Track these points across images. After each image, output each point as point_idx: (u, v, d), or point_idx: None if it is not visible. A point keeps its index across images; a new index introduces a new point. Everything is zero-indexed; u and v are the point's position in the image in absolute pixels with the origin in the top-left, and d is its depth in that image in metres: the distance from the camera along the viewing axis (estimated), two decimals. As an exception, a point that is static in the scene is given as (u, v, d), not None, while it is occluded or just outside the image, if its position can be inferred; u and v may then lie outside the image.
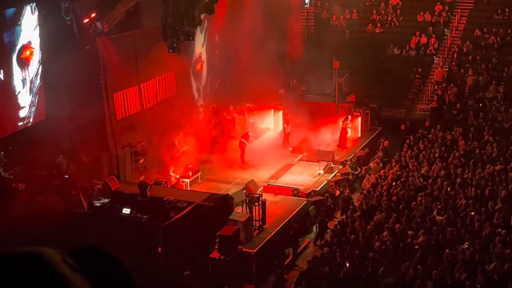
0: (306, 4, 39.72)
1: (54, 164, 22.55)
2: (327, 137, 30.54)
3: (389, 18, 39.42)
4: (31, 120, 22.84)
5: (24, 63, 22.25)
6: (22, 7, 21.90)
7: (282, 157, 29.30)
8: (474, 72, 34.63)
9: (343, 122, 30.68)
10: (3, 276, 1.38)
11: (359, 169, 27.48)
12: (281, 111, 32.49)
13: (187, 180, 26.28)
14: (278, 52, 31.20)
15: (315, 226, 23.77)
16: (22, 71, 22.25)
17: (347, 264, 18.89)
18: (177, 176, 25.99)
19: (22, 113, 22.53)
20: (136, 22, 25.43)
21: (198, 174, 27.11)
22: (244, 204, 22.47)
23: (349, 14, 39.93)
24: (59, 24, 21.82)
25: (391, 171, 26.06)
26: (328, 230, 23.30)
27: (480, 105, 32.94)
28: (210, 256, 19.83)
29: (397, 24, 39.21)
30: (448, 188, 23.74)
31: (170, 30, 22.93)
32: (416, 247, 19.59)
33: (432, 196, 23.25)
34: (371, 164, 27.02)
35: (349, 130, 30.88)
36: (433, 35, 37.65)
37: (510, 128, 30.48)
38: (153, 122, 26.18)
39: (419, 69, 36.42)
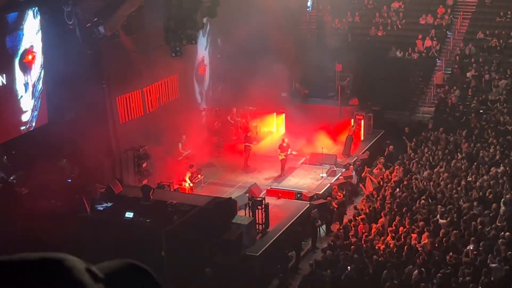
0: (308, 7, 39.72)
1: (57, 168, 22.55)
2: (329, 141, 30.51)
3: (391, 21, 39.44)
4: (34, 124, 22.85)
5: (26, 67, 22.26)
6: (24, 12, 21.91)
7: (285, 160, 29.26)
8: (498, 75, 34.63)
9: (349, 129, 30.45)
10: (21, 281, 1.37)
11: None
12: (283, 114, 32.49)
13: (186, 184, 26.26)
14: (280, 55, 31.18)
15: (318, 229, 23.75)
16: (25, 76, 22.27)
17: (349, 268, 18.87)
18: (191, 185, 25.80)
19: (25, 117, 22.55)
20: (138, 26, 25.42)
21: (201, 177, 27.10)
22: (247, 208, 22.46)
23: (351, 17, 39.93)
24: (61, 28, 21.82)
25: (394, 174, 26.04)
26: (331, 233, 23.30)
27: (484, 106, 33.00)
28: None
29: (400, 27, 39.20)
30: (452, 191, 23.72)
31: (173, 34, 22.94)
32: (419, 250, 19.57)
33: (436, 199, 23.23)
34: (374, 170, 26.95)
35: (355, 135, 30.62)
36: (435, 38, 37.65)
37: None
38: (156, 126, 26.18)
39: (420, 73, 36.44)
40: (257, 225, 22.16)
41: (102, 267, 1.53)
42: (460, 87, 34.80)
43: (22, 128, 22.58)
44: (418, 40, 37.75)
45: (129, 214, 20.33)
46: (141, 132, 25.50)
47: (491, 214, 21.71)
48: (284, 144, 28.17)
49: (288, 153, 28.08)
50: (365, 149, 30.32)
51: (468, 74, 35.31)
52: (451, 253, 19.03)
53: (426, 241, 19.91)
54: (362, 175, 26.96)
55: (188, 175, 25.82)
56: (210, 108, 31.34)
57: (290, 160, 28.87)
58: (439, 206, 22.27)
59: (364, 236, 20.99)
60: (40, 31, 22.48)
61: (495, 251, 18.95)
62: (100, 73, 24.10)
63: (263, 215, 22.29)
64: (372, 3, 40.47)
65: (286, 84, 33.95)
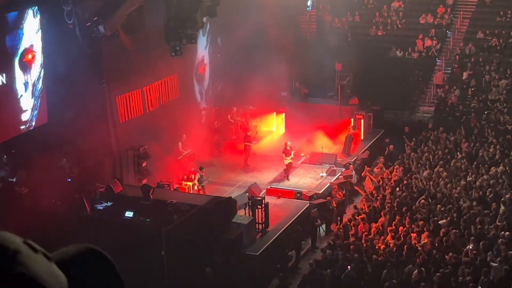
0: (308, 6, 39.71)
1: (57, 167, 22.54)
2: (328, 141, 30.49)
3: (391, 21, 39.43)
4: (34, 123, 22.85)
5: (26, 66, 22.26)
6: (24, 11, 21.90)
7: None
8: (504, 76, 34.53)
9: (349, 129, 30.49)
10: None
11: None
12: (283, 114, 32.49)
13: (190, 183, 26.25)
14: (280, 55, 31.20)
15: (318, 229, 23.76)
16: (24, 75, 22.26)
17: (349, 267, 18.87)
18: (200, 187, 25.62)
19: (25, 117, 22.54)
20: (138, 26, 25.41)
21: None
22: (247, 207, 22.45)
23: (351, 16, 39.94)
24: (61, 27, 21.81)
25: (393, 173, 26.04)
26: (331, 233, 23.29)
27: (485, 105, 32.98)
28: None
29: (400, 26, 39.19)
30: (452, 191, 23.71)
31: (173, 33, 22.93)
32: (419, 249, 19.56)
33: (435, 198, 23.23)
34: (375, 169, 26.96)
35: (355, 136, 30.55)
36: (435, 38, 37.64)
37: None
38: (155, 125, 26.17)
39: (420, 72, 36.46)
40: (257, 225, 22.15)
41: (58, 253, 1.53)
42: (460, 86, 34.80)
43: (22, 127, 22.57)
44: (418, 40, 37.75)
45: (129, 214, 20.32)
46: (141, 131, 25.49)
47: (491, 214, 21.70)
48: (288, 148, 27.66)
49: (292, 156, 27.63)
50: (365, 148, 30.32)
51: (465, 74, 35.31)
52: (450, 253, 19.03)
53: (426, 240, 19.90)
54: (362, 175, 26.97)
55: (198, 176, 25.65)
56: (210, 107, 31.33)
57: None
58: (439, 205, 22.27)
59: (364, 236, 20.99)
60: (40, 30, 22.47)
61: (495, 251, 18.95)
62: (100, 72, 24.08)
63: (263, 214, 22.28)
64: (372, 2, 40.48)
65: (286, 84, 33.99)
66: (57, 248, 1.54)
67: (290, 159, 27.46)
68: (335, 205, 24.47)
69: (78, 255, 1.56)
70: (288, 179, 27.36)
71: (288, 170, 27.59)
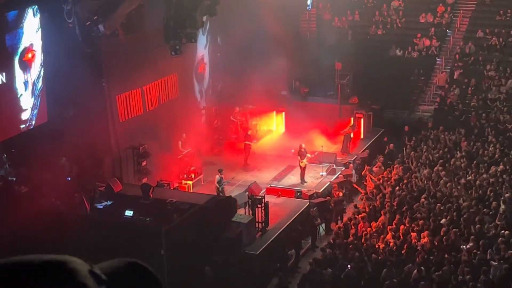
0: (308, 5, 39.70)
1: (56, 166, 22.54)
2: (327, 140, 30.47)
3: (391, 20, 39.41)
4: (33, 122, 22.85)
5: (26, 65, 22.25)
6: (24, 10, 21.89)
7: (285, 158, 29.25)
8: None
9: (348, 128, 30.48)
10: (23, 285, 1.36)
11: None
12: (283, 113, 32.49)
13: (190, 182, 26.25)
14: (280, 54, 31.19)
15: (318, 228, 23.76)
16: (24, 74, 22.26)
17: (349, 266, 18.88)
18: (220, 189, 25.30)
19: (24, 116, 22.54)
20: (138, 25, 25.42)
21: (201, 176, 27.09)
22: (247, 206, 22.45)
23: (351, 15, 39.92)
24: (61, 26, 21.80)
25: (393, 172, 26.04)
26: (331, 232, 23.28)
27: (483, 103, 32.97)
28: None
29: (399, 25, 39.19)
30: (452, 190, 23.71)
31: (172, 32, 22.91)
32: (419, 248, 19.56)
33: (435, 197, 23.23)
34: (374, 168, 26.96)
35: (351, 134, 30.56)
36: (435, 37, 37.63)
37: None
38: (155, 125, 26.17)
39: (421, 71, 36.45)
40: (256, 224, 22.15)
41: (102, 267, 1.52)
42: (460, 86, 34.80)
43: (22, 126, 22.57)
44: (418, 39, 37.73)
45: (129, 213, 20.33)
46: (141, 130, 25.50)
47: (490, 213, 21.70)
48: (303, 150, 27.24)
49: (307, 157, 27.29)
50: (365, 147, 30.33)
51: (456, 73, 35.28)
52: (448, 254, 19.02)
53: (425, 239, 19.90)
54: (362, 174, 26.96)
55: (217, 179, 25.41)
56: (210, 106, 31.33)
57: (289, 158, 28.82)
58: (438, 204, 22.27)
59: (364, 235, 20.99)
60: (40, 29, 22.46)
61: (494, 250, 18.96)
62: (99, 71, 24.08)
63: (263, 213, 22.28)
64: (372, 1, 40.47)
65: (286, 83, 33.98)
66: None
67: (306, 161, 27.19)
68: (332, 204, 24.47)
69: (123, 271, 1.56)
70: (304, 181, 27.06)
71: (303, 172, 27.24)
